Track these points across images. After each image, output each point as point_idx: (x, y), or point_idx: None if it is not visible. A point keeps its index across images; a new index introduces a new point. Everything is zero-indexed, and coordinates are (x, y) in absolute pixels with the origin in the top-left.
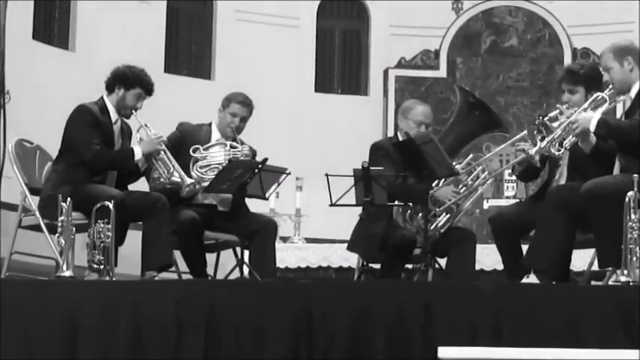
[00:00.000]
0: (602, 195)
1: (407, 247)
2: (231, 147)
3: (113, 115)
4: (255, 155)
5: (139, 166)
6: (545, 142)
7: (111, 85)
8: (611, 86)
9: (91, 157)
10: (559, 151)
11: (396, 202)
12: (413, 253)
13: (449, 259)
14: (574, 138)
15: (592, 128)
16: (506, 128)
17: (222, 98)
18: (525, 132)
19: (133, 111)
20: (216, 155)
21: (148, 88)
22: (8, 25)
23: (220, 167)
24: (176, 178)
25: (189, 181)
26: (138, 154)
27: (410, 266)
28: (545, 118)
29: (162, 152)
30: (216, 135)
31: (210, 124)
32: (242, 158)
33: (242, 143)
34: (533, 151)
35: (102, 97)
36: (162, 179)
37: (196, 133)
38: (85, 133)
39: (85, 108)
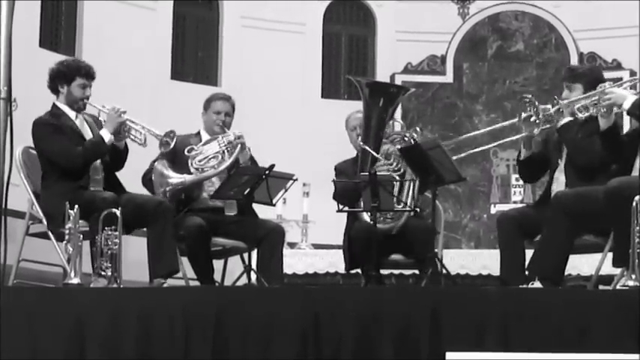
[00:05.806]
0: (625, 194)
1: (364, 235)
2: (223, 137)
3: (71, 114)
4: (244, 145)
5: (118, 146)
6: (571, 100)
7: (54, 88)
8: None
9: (67, 162)
10: (581, 112)
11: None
12: (372, 240)
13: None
14: (601, 109)
15: (626, 106)
16: (406, 89)
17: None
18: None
19: (85, 101)
20: (210, 147)
21: (88, 74)
22: (15, 32)
23: (217, 155)
24: (174, 180)
25: (159, 133)
26: (106, 135)
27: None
28: (540, 106)
29: (127, 123)
30: (206, 138)
31: (198, 132)
32: (234, 141)
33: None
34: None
35: (53, 104)
36: (168, 187)
37: (187, 141)
38: (53, 144)
39: (41, 120)
